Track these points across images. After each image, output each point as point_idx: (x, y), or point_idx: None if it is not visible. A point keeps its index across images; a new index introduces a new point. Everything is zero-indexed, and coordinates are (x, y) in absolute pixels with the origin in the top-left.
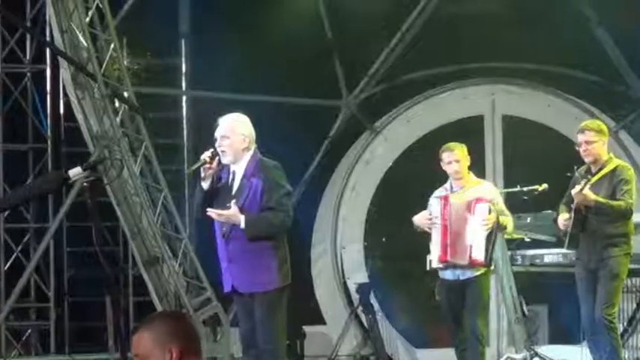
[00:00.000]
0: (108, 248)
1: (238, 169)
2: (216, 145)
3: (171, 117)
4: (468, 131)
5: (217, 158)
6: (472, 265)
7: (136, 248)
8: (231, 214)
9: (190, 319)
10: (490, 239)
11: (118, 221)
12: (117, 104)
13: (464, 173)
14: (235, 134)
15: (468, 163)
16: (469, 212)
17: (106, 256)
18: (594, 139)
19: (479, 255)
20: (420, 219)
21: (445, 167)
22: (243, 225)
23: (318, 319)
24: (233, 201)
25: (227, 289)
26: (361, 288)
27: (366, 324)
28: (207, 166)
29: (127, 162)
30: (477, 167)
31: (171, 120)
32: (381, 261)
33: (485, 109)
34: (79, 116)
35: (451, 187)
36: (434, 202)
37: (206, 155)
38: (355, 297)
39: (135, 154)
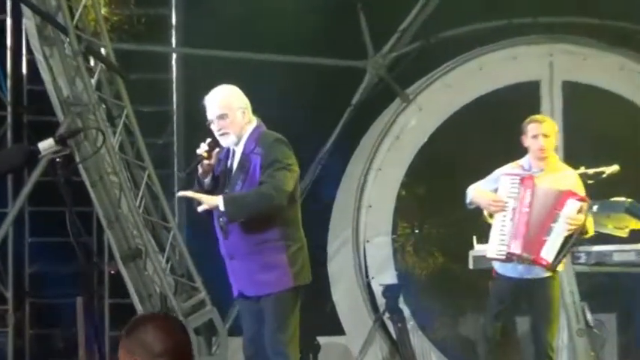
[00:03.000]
0: (79, 239)
1: (238, 148)
2: (214, 127)
3: (158, 79)
4: (521, 100)
5: (217, 149)
6: (535, 262)
7: (114, 239)
8: (205, 196)
9: (175, 324)
10: (568, 242)
11: (92, 206)
12: (92, 63)
13: (549, 153)
14: (233, 109)
15: (556, 144)
16: (558, 205)
17: (78, 248)
18: None
19: (549, 255)
20: (483, 197)
21: (528, 142)
22: (222, 206)
23: (336, 328)
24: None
25: (235, 293)
26: (388, 290)
27: (393, 334)
28: (206, 162)
29: (105, 133)
30: None
31: (159, 83)
32: (413, 257)
33: (542, 74)
34: (46, 77)
35: (530, 167)
36: (506, 181)
37: (203, 149)
38: (381, 301)
39: (113, 124)
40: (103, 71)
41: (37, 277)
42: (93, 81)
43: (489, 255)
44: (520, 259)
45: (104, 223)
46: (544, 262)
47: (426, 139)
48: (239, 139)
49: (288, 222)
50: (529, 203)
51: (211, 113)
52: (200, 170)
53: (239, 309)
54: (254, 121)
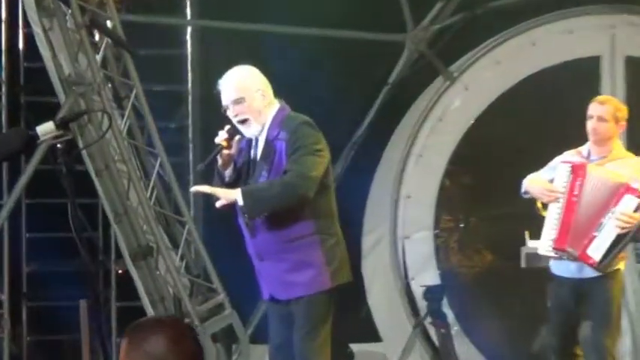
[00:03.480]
0: (83, 234)
1: (261, 134)
2: (230, 113)
3: (171, 55)
4: (579, 78)
5: (238, 137)
6: (581, 259)
7: (122, 234)
8: (222, 190)
9: (187, 331)
10: (621, 242)
11: (97, 198)
12: (97, 37)
13: (607, 137)
14: (251, 91)
15: (620, 130)
16: (613, 198)
17: (81, 244)
18: None
19: (596, 253)
20: (536, 185)
21: (587, 123)
22: (240, 200)
23: (371, 335)
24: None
25: (265, 296)
26: (430, 292)
27: (436, 340)
28: (226, 151)
29: (111, 116)
30: None
31: (172, 59)
32: (458, 255)
33: (602, 49)
34: (45, 53)
35: (588, 153)
36: (562, 169)
37: (221, 137)
38: (422, 304)
39: (121, 106)
40: (110, 46)
41: (36, 277)
42: (98, 57)
43: (541, 251)
44: (567, 255)
45: (111, 216)
46: (590, 261)
47: (472, 122)
48: (262, 126)
49: (321, 213)
50: (578, 193)
51: (226, 98)
52: (219, 161)
53: (267, 313)
54: (276, 104)
